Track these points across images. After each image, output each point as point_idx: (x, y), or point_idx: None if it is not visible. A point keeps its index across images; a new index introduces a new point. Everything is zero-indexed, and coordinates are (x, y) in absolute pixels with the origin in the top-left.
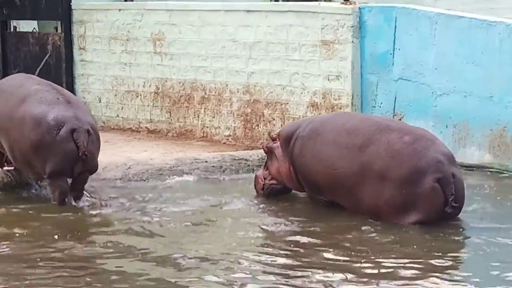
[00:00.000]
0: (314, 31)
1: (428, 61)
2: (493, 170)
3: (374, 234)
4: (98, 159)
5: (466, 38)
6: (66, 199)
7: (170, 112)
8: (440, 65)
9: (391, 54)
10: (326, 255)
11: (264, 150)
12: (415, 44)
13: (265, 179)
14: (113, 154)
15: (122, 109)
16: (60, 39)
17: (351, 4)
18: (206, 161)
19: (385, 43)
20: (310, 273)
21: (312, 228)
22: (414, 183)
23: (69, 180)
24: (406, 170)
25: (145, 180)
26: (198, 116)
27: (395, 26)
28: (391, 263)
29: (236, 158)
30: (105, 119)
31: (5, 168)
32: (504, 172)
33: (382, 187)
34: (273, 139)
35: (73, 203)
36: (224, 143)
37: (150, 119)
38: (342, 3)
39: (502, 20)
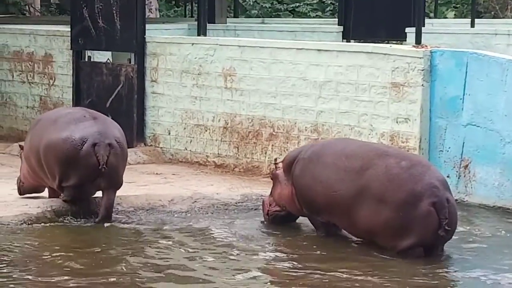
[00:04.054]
0: (385, 73)
1: (498, 108)
2: None
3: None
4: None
5: None
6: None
7: (238, 148)
8: (510, 112)
9: (461, 99)
10: None
11: (270, 177)
12: (485, 90)
13: (270, 205)
14: (179, 187)
15: (190, 142)
16: (133, 71)
17: (422, 47)
18: None
19: (455, 88)
20: None
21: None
22: (411, 206)
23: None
24: (403, 194)
25: (210, 214)
26: (266, 153)
27: (466, 71)
28: None
29: None
30: (174, 151)
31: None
32: None
33: (379, 209)
34: (278, 165)
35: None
36: None
37: (218, 153)
38: (414, 46)
39: None
